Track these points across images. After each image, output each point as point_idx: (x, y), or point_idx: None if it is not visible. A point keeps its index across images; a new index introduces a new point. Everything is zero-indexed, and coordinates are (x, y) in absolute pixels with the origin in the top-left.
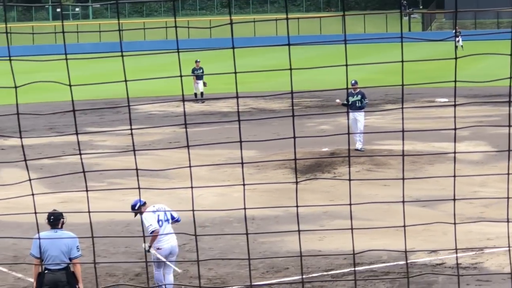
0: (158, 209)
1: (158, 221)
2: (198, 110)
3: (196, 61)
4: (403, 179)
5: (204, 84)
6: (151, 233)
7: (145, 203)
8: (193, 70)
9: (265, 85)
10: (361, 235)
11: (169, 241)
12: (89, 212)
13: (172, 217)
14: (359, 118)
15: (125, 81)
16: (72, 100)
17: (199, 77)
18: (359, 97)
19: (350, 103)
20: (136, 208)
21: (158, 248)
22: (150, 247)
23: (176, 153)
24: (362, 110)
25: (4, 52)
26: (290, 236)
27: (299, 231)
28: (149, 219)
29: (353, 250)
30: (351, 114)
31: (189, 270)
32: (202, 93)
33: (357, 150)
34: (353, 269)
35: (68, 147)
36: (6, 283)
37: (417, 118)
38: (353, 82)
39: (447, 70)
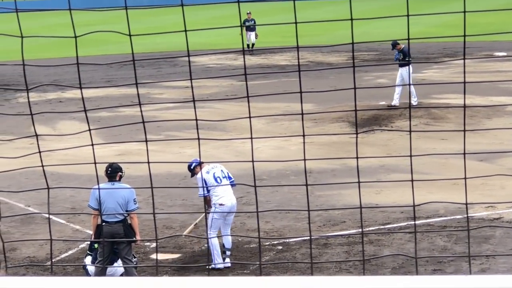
0: (213, 168)
1: (215, 178)
2: (255, 63)
3: (248, 13)
4: (464, 130)
5: (256, 36)
6: (200, 196)
7: (201, 163)
8: (245, 22)
9: (323, 39)
10: (418, 189)
11: (230, 199)
12: (148, 162)
13: (229, 177)
14: (404, 75)
15: (185, 30)
16: (132, 51)
17: (251, 29)
18: (400, 54)
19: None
20: (192, 167)
21: (220, 204)
22: (208, 208)
23: (233, 106)
24: (406, 66)
25: (64, 5)
26: (347, 190)
27: (359, 183)
28: (200, 183)
29: (413, 202)
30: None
31: (246, 223)
32: (253, 45)
33: (392, 106)
34: (409, 223)
35: (126, 100)
36: (64, 235)
37: (475, 72)
38: (393, 43)
39: (506, 23)
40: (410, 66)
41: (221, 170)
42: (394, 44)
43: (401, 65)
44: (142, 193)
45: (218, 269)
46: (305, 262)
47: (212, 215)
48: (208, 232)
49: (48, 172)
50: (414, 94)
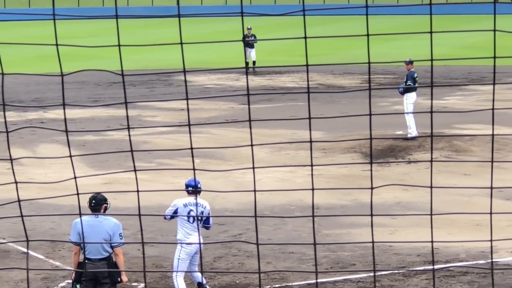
0: (192, 205)
1: (188, 217)
2: (258, 84)
3: (248, 28)
4: (492, 161)
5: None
6: (165, 215)
7: (194, 192)
8: (245, 37)
9: (334, 58)
10: (436, 230)
11: (198, 240)
12: (137, 191)
13: (206, 221)
14: (404, 102)
15: (181, 43)
16: (121, 60)
17: (251, 45)
18: (405, 78)
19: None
20: (186, 188)
21: (188, 243)
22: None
23: (233, 132)
24: (406, 93)
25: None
26: (358, 228)
27: (371, 215)
28: (172, 206)
29: (432, 244)
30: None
31: (244, 264)
32: (254, 62)
33: (406, 139)
34: (427, 267)
35: (114, 122)
36: (43, 272)
37: (502, 100)
38: (407, 61)
39: None
40: (415, 93)
41: (201, 212)
42: (408, 63)
43: (406, 91)
44: (130, 227)
45: None
46: None
47: (178, 255)
48: (174, 275)
49: (27, 201)
50: (411, 126)
